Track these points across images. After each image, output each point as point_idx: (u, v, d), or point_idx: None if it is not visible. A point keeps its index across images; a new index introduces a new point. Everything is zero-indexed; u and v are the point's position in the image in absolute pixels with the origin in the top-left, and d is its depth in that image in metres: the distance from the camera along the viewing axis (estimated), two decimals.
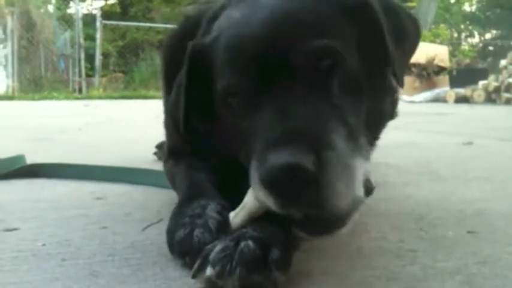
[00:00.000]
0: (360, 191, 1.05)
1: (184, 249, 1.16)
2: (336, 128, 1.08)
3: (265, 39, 1.16)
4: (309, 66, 1.14)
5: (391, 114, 1.47)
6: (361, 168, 1.08)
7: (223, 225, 1.19)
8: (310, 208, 1.01)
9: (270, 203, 1.03)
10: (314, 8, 1.22)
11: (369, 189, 1.13)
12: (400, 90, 1.46)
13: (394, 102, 1.47)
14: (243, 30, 1.21)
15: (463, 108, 9.50)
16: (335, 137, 1.05)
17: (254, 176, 1.04)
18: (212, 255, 1.03)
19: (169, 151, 1.78)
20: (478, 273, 1.14)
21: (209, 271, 1.01)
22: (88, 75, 18.04)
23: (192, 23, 1.57)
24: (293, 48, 1.14)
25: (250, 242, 1.05)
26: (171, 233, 1.23)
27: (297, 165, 0.95)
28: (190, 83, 1.33)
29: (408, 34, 1.39)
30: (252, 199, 1.17)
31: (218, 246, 1.05)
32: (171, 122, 1.52)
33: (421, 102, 12.05)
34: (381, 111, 1.36)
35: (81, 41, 17.61)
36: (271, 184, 0.99)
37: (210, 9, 1.46)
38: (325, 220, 1.05)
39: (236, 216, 1.23)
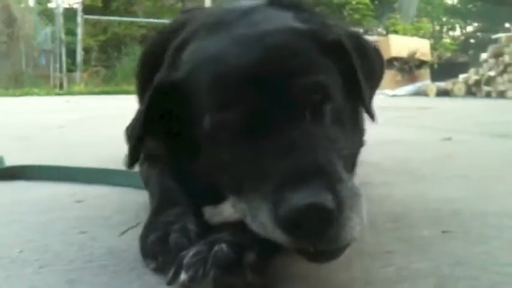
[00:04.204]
0: (364, 218, 1.05)
1: (157, 249, 1.17)
2: (337, 160, 1.09)
3: (258, 74, 1.14)
4: (302, 101, 1.13)
5: (361, 143, 1.50)
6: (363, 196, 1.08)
7: (202, 237, 1.18)
8: (326, 243, 1.00)
9: (282, 239, 1.00)
10: (295, 43, 1.22)
11: None
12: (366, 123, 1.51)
13: (362, 132, 1.50)
14: (231, 65, 1.18)
15: (444, 101, 9.61)
16: (340, 169, 1.07)
17: (264, 213, 1.02)
18: (186, 260, 1.05)
19: (145, 156, 1.78)
20: (450, 275, 1.16)
21: (183, 276, 1.02)
22: (69, 71, 17.88)
23: (166, 38, 1.56)
24: (290, 83, 1.13)
25: (224, 246, 1.06)
26: (144, 237, 1.25)
27: (320, 206, 0.95)
28: (152, 118, 1.30)
29: (376, 68, 1.45)
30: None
31: (192, 251, 1.07)
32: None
33: (403, 95, 12.16)
34: (356, 141, 1.39)
35: (62, 36, 17.43)
36: (294, 225, 0.97)
37: (177, 37, 1.45)
38: (333, 249, 1.04)
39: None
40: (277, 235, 1.00)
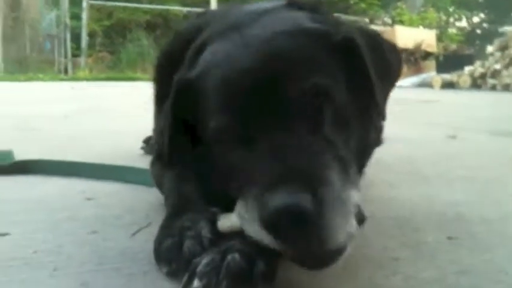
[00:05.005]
0: (352, 224, 1.06)
1: (171, 256, 1.19)
2: (330, 163, 1.11)
3: (258, 78, 1.17)
4: (303, 104, 1.16)
5: (377, 142, 1.52)
6: (354, 200, 1.10)
7: (215, 243, 1.20)
8: (309, 245, 1.02)
9: (269, 241, 1.03)
10: (302, 45, 1.24)
11: (360, 220, 1.14)
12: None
13: (379, 130, 1.52)
14: (235, 69, 1.21)
15: (449, 94, 9.61)
16: (330, 172, 1.08)
17: (253, 216, 1.05)
18: (199, 268, 1.07)
19: (157, 155, 1.80)
20: (456, 284, 1.18)
21: (196, 284, 1.05)
22: (74, 56, 17.85)
23: (184, 40, 1.57)
24: (288, 87, 1.16)
25: (236, 255, 1.08)
26: (158, 242, 1.26)
27: (296, 206, 0.97)
28: (176, 116, 1.34)
29: (391, 65, 1.45)
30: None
31: (205, 259, 1.09)
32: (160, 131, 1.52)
33: (408, 87, 12.14)
34: (367, 140, 1.41)
35: (67, 20, 17.39)
36: (273, 227, 1.00)
37: (196, 40, 1.47)
38: (321, 255, 1.05)
39: (225, 221, 1.26)
40: (264, 237, 1.04)
